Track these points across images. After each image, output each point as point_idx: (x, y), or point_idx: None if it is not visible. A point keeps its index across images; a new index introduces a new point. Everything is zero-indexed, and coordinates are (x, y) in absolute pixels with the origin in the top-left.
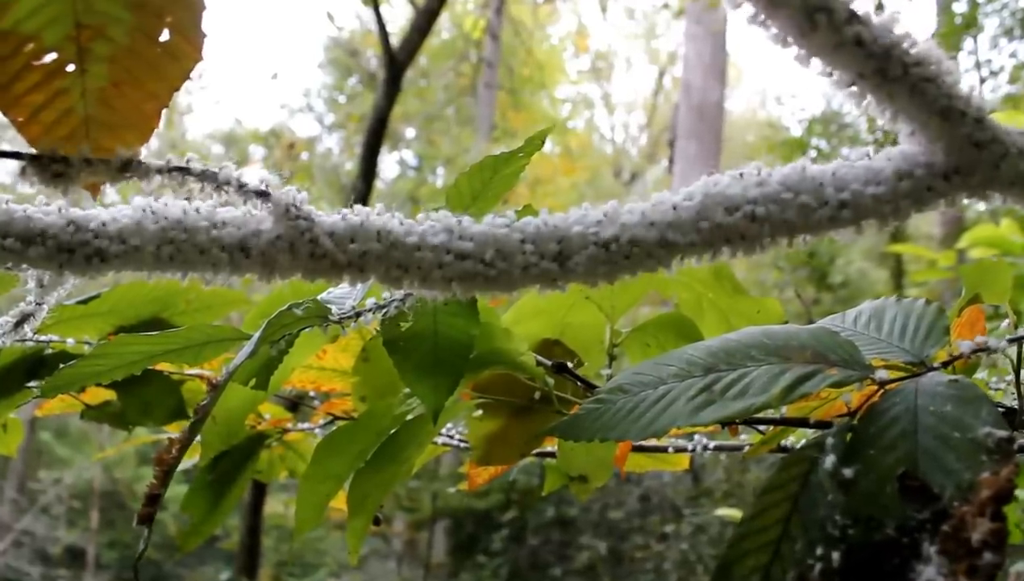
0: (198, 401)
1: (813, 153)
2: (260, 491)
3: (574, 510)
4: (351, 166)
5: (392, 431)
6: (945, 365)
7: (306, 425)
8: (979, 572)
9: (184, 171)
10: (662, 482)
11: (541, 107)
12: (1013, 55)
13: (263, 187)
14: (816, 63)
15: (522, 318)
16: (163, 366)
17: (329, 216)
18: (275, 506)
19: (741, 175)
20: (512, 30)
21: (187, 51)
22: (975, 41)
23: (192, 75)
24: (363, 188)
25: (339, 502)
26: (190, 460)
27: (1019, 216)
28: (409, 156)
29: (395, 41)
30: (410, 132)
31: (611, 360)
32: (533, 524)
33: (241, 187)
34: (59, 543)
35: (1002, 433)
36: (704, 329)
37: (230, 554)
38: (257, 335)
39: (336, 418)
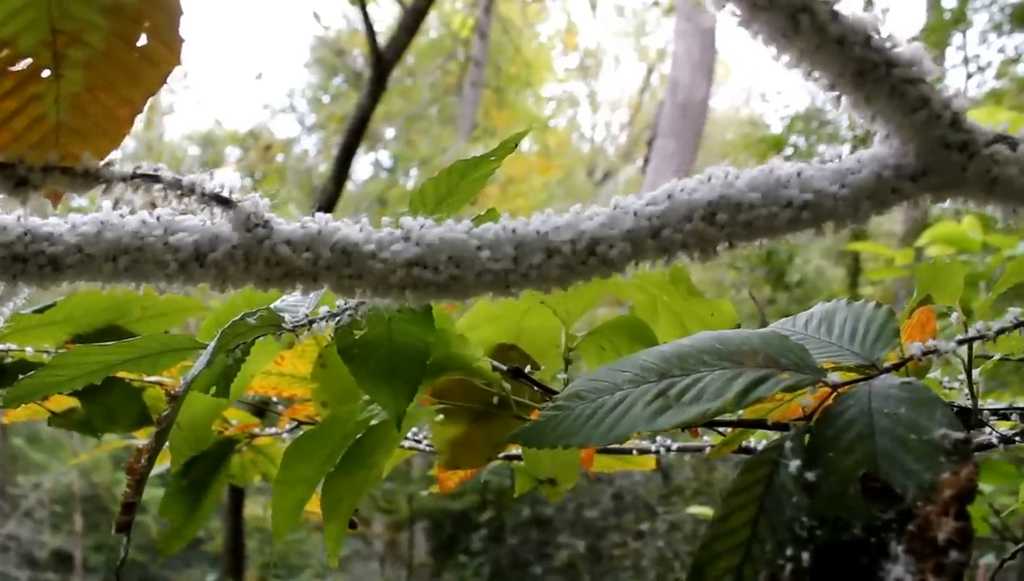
0: (161, 408)
1: (790, 150)
2: (238, 493)
3: (550, 510)
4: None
5: (358, 436)
6: (896, 367)
7: (273, 430)
8: (946, 570)
9: (148, 178)
10: (633, 481)
11: (525, 106)
12: (1001, 50)
13: (226, 194)
14: (799, 64)
15: (478, 323)
16: (124, 373)
17: (288, 224)
18: (255, 509)
19: (709, 179)
20: (501, 28)
21: (165, 55)
22: (964, 36)
23: (174, 76)
24: (333, 190)
25: (319, 505)
26: (163, 465)
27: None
28: (384, 157)
29: (382, 40)
30: (390, 132)
31: (567, 364)
32: (511, 524)
33: (204, 194)
34: (45, 547)
35: (959, 435)
36: (659, 332)
37: (215, 556)
38: (212, 345)
39: (300, 423)
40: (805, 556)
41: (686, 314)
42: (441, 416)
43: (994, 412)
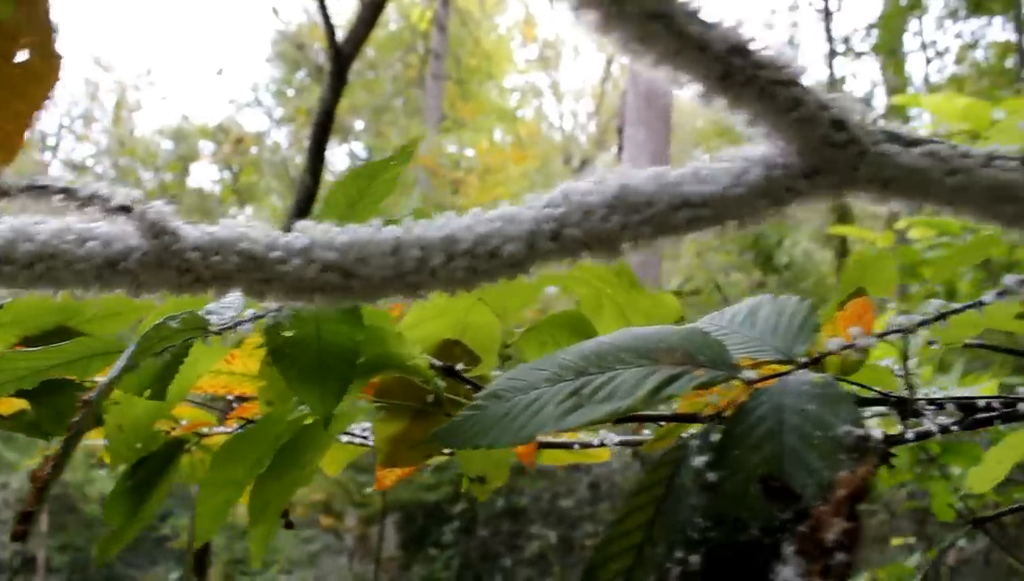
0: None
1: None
2: None
3: (524, 500)
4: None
5: (290, 436)
6: (813, 362)
7: (221, 429)
8: (832, 572)
9: (45, 190)
10: (611, 469)
11: (489, 97)
12: (959, 35)
13: (127, 203)
14: (661, 68)
15: (425, 318)
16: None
17: (195, 229)
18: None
19: (604, 179)
20: (459, 20)
21: (46, 71)
22: (920, 22)
23: (140, 72)
24: (311, 182)
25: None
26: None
27: None
28: (359, 148)
29: (341, 34)
30: (359, 124)
31: (503, 361)
32: (483, 515)
33: (106, 205)
34: (7, 549)
35: (860, 431)
36: (603, 325)
37: (180, 553)
38: (129, 350)
39: (249, 422)
40: (695, 559)
41: (629, 307)
42: (382, 413)
43: (931, 402)
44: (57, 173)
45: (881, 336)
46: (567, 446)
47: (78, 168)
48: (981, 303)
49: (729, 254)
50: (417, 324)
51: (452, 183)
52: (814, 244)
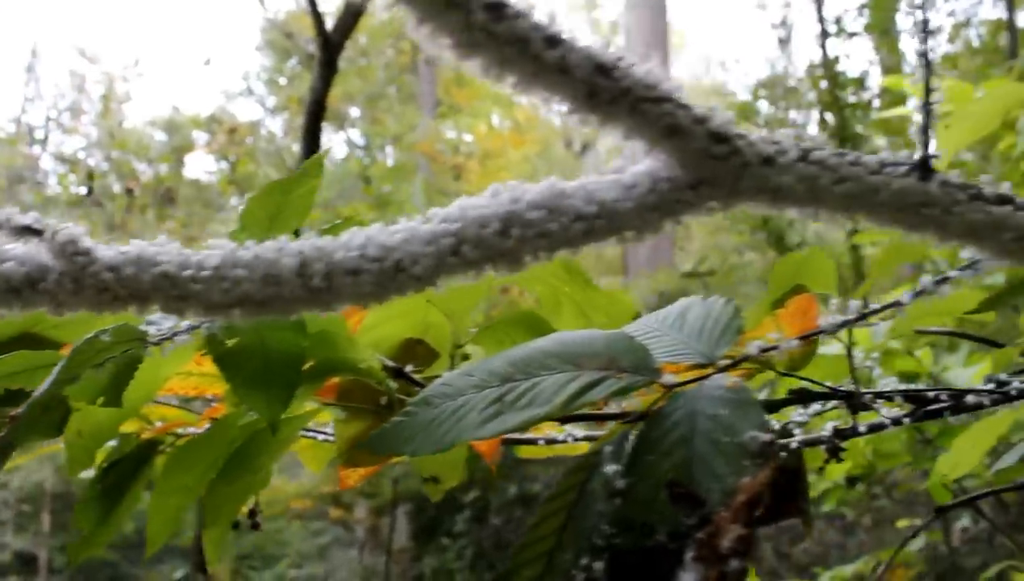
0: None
1: (761, 118)
2: None
3: (537, 487)
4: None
5: (243, 441)
6: (733, 365)
7: (193, 429)
8: (728, 578)
9: None
10: None
11: (484, 83)
12: (951, 14)
13: (37, 226)
14: (528, 90)
15: (385, 318)
16: None
17: (110, 250)
18: None
19: (497, 194)
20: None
21: None
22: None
23: (128, 63)
24: None
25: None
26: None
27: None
28: (356, 135)
29: (330, 22)
30: (355, 111)
31: (452, 361)
32: (496, 504)
33: (14, 228)
34: (7, 549)
35: (765, 437)
36: (563, 323)
37: (186, 551)
38: (59, 367)
39: None
40: (599, 565)
41: (587, 305)
42: (344, 415)
43: (879, 395)
44: (48, 166)
45: (803, 338)
46: (532, 442)
47: (68, 161)
48: (899, 303)
49: (742, 234)
50: (378, 325)
51: (453, 169)
52: (826, 225)
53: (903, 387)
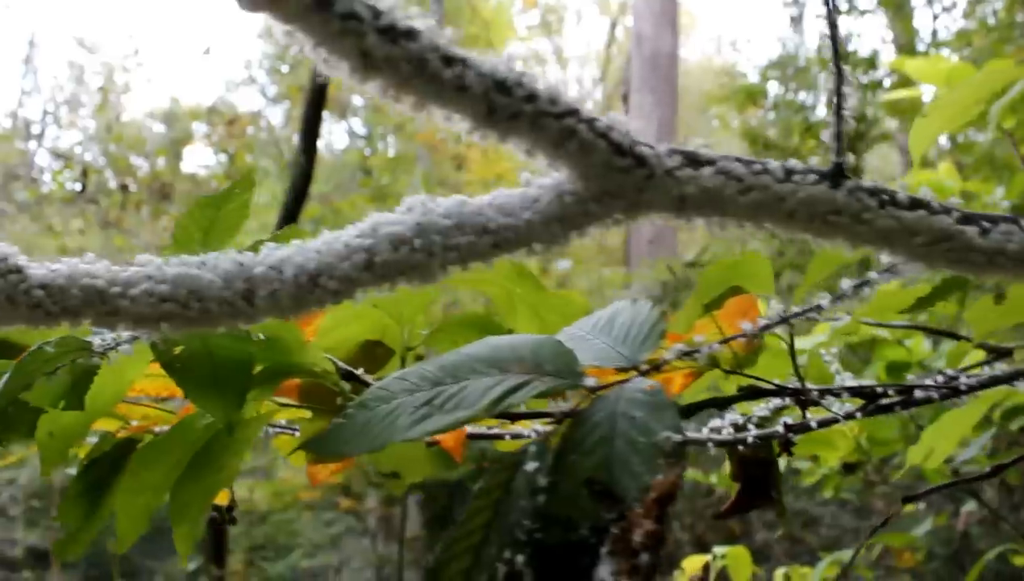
0: None
1: (769, 100)
2: None
3: None
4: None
5: (204, 442)
6: (655, 369)
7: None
8: (639, 572)
9: None
10: None
11: None
12: None
13: None
14: (427, 108)
15: (346, 320)
16: None
17: (41, 267)
18: (240, 491)
19: (409, 209)
20: None
21: None
22: None
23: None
24: (305, 163)
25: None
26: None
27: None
28: (357, 124)
29: None
30: (357, 100)
31: (403, 363)
32: None
33: None
34: (19, 545)
35: (677, 437)
36: (519, 325)
37: (201, 543)
38: (6, 377)
39: None
40: (521, 558)
41: (541, 306)
42: (309, 415)
43: (826, 391)
44: (43, 162)
45: (723, 341)
46: (500, 437)
47: (64, 157)
48: (819, 307)
49: None
50: (336, 327)
51: (454, 158)
52: None
53: (850, 384)
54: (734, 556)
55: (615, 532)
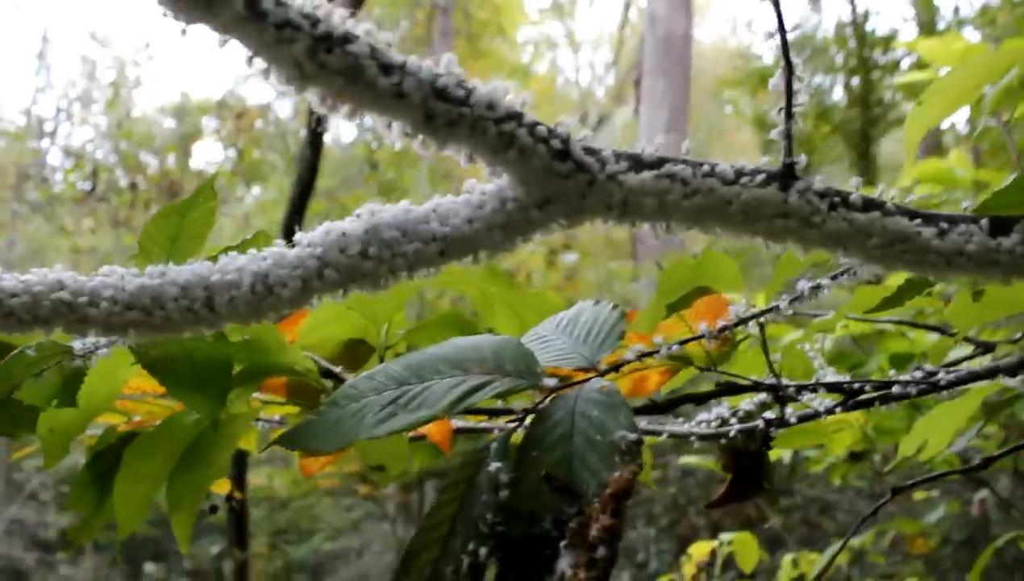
0: None
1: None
2: (242, 464)
3: None
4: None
5: (195, 436)
6: (613, 369)
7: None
8: (596, 565)
9: None
10: None
11: (500, 53)
12: None
13: None
14: (367, 115)
15: (323, 322)
16: None
17: (12, 278)
18: (260, 479)
19: (357, 217)
20: None
21: None
22: None
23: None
24: (311, 157)
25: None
26: None
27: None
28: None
29: None
30: None
31: (381, 361)
32: None
33: None
34: (52, 528)
35: (632, 436)
36: (498, 323)
37: (224, 528)
38: None
39: None
40: (483, 551)
41: (518, 305)
42: (296, 410)
43: (802, 387)
44: (55, 161)
45: (683, 342)
46: (489, 430)
47: (75, 155)
48: (777, 308)
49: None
50: (319, 327)
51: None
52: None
53: (827, 380)
54: (741, 542)
55: (573, 526)
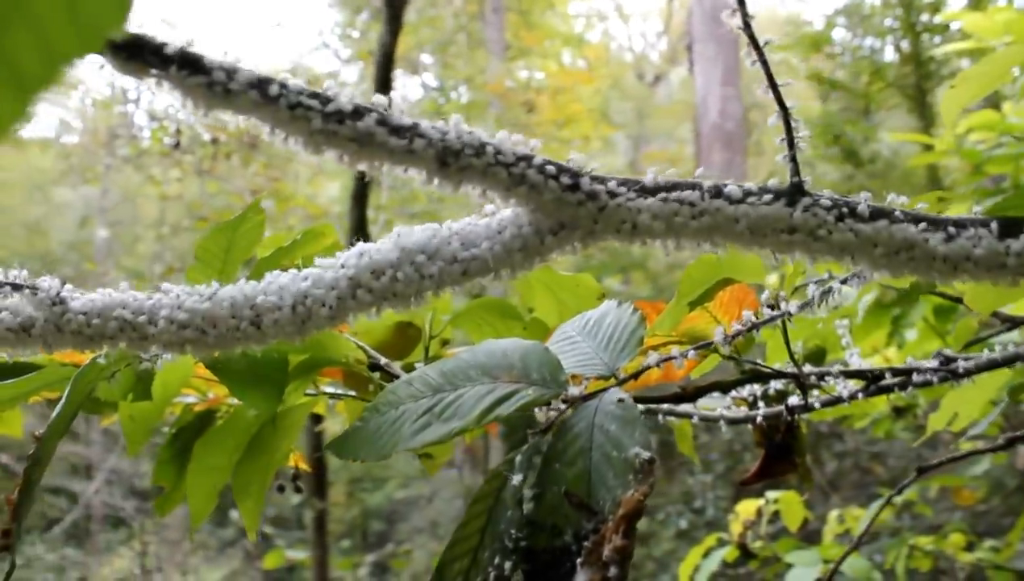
0: None
1: (837, 48)
2: (318, 419)
3: None
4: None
5: (259, 427)
6: (634, 377)
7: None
8: None
9: None
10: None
11: (552, 24)
12: None
13: (22, 283)
14: (379, 169)
15: None
16: None
17: (81, 298)
18: (336, 426)
19: (387, 241)
20: None
21: None
22: None
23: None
24: None
25: None
26: None
27: None
28: (430, 79)
29: None
30: (427, 59)
31: (427, 351)
32: None
33: (5, 286)
34: (146, 477)
35: (646, 454)
36: (536, 303)
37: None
38: (67, 392)
39: None
40: (508, 565)
41: (557, 287)
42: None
43: (824, 374)
44: (141, 122)
45: (698, 347)
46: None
47: (159, 118)
48: (789, 314)
49: (816, 149)
50: None
51: (525, 103)
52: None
53: (847, 368)
54: (786, 501)
55: (588, 545)
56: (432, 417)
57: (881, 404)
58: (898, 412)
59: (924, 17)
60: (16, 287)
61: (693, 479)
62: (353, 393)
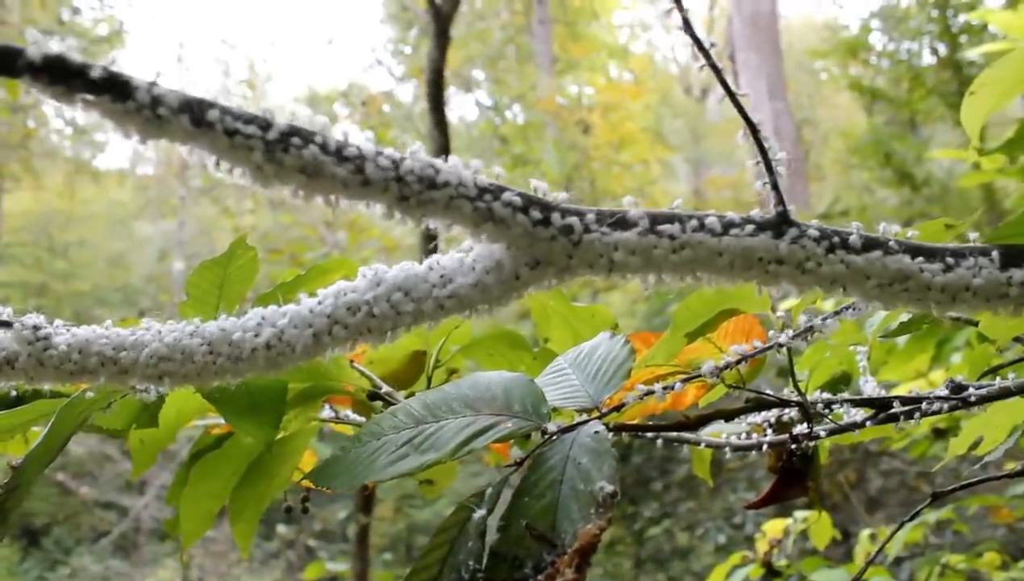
0: None
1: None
2: None
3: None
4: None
5: (258, 454)
6: (615, 410)
7: None
8: None
9: None
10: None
11: (597, 36)
12: None
13: (5, 318)
14: (345, 201)
15: None
16: None
17: (63, 334)
18: None
19: (363, 276)
20: None
21: None
22: None
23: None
24: (440, 137)
25: None
26: None
27: None
28: (483, 96)
29: None
30: (479, 74)
31: (429, 381)
32: (637, 443)
33: None
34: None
35: (609, 488)
36: (554, 333)
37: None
38: (50, 424)
39: None
40: None
41: (573, 318)
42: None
43: (830, 403)
44: None
45: (687, 379)
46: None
47: None
48: (780, 344)
49: (871, 171)
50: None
51: (579, 123)
52: (952, 162)
53: (854, 397)
54: (815, 521)
55: (540, 579)
56: (411, 448)
57: (924, 426)
58: (938, 434)
59: (961, 18)
60: (4, 323)
61: (735, 496)
62: (364, 419)
